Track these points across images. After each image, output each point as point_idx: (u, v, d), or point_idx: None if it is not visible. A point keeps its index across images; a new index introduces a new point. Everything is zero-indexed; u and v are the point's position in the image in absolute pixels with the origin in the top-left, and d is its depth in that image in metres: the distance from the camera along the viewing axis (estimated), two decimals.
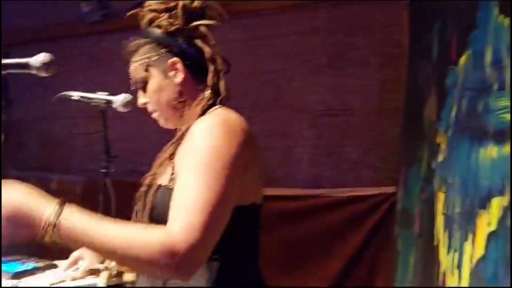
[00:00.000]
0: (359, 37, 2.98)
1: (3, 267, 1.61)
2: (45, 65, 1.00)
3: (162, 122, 1.21)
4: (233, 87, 1.16)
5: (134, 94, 1.27)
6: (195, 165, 0.96)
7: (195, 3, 1.14)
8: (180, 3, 1.12)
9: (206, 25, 1.14)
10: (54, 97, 1.35)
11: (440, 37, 1.95)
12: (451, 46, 1.75)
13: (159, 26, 1.14)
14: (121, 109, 1.38)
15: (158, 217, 1.03)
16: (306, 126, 3.08)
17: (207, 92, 1.13)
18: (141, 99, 1.20)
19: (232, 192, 0.97)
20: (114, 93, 1.41)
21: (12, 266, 1.64)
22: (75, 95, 1.40)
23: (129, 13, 1.17)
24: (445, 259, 1.66)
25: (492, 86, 1.33)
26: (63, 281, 1.59)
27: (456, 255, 1.54)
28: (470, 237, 1.43)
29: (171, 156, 1.10)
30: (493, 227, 1.26)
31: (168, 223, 0.92)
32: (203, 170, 0.94)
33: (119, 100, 1.37)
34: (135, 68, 1.17)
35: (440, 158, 1.81)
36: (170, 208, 0.95)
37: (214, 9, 1.16)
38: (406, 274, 2.15)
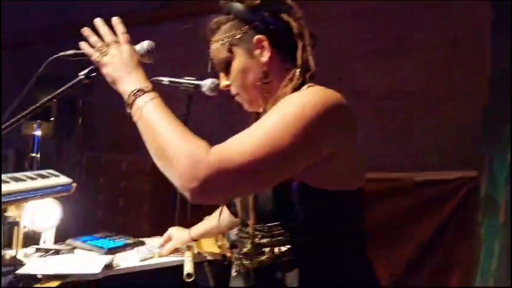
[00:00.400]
0: (428, 17, 2.86)
1: (98, 243, 1.71)
2: (149, 52, 1.02)
3: (246, 106, 1.12)
4: None
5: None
6: (275, 117, 0.90)
7: None
8: None
9: None
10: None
11: None
12: None
13: (241, 1, 1.05)
14: (208, 93, 1.40)
15: (262, 205, 1.00)
16: (369, 108, 3.02)
17: (297, 71, 1.03)
18: (224, 82, 1.11)
19: (293, 162, 0.90)
20: (201, 78, 1.44)
21: (105, 242, 1.73)
22: (165, 80, 1.45)
23: None
24: None
25: None
26: (152, 257, 1.67)
27: None
28: None
29: None
30: None
31: (222, 144, 0.89)
32: (280, 123, 0.88)
33: (207, 84, 1.38)
34: (217, 48, 1.08)
35: None
36: (235, 135, 0.91)
37: None
38: (490, 263, 2.07)
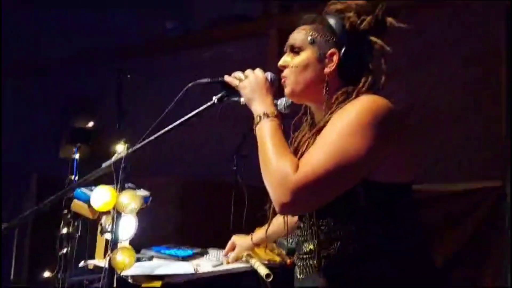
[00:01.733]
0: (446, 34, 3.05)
1: (171, 252, 1.83)
2: (272, 81, 1.27)
3: (286, 91, 1.27)
4: None
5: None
6: (339, 129, 1.08)
7: (389, 20, 1.22)
8: (380, 13, 1.20)
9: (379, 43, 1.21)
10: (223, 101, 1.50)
11: None
12: None
13: (347, 18, 1.20)
14: (284, 111, 1.53)
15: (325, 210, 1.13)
16: None
17: (354, 93, 1.17)
18: (284, 61, 1.26)
19: (365, 164, 1.07)
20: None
21: (177, 252, 1.85)
22: (242, 99, 1.58)
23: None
24: None
25: None
26: (221, 264, 1.79)
27: None
28: None
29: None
30: None
31: (302, 162, 1.09)
32: (345, 134, 1.07)
33: (282, 103, 1.51)
34: (301, 34, 1.23)
35: None
36: (309, 150, 1.12)
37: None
38: None
